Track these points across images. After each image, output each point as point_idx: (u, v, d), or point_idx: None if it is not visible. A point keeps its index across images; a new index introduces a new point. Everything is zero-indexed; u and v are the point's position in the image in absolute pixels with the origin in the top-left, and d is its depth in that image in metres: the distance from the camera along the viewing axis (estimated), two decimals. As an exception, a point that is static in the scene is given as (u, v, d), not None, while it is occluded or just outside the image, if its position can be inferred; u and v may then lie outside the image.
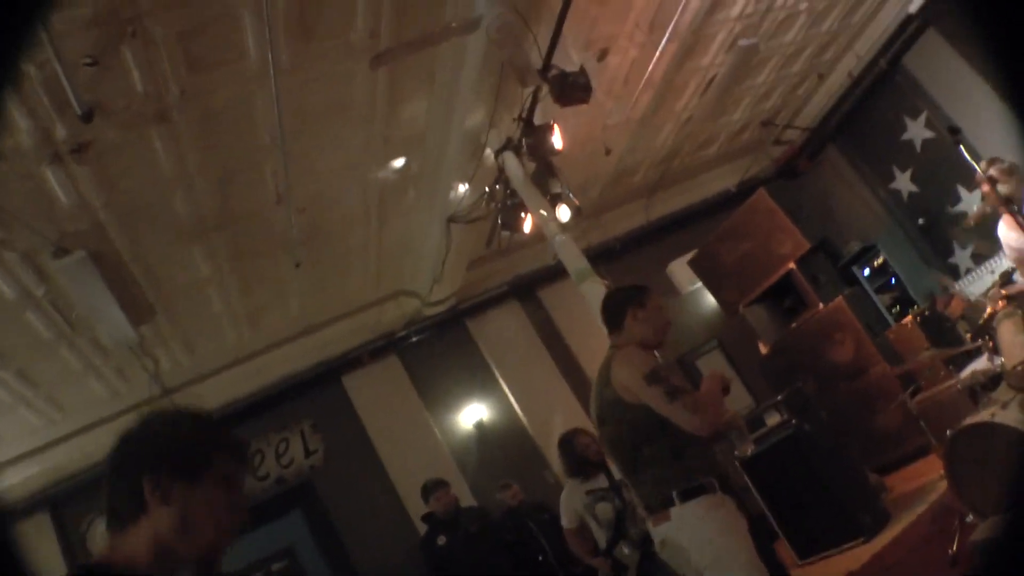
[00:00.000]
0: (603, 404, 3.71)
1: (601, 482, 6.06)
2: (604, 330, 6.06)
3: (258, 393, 8.96)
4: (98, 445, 8.25)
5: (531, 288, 10.46)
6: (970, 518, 4.63)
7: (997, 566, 3.25)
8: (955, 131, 4.77)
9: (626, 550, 5.83)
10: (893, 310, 9.72)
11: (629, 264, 10.53)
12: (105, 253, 6.04)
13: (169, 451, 1.65)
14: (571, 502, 6.18)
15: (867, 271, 10.23)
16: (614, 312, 3.88)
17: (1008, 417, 4.44)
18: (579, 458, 6.18)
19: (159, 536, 1.59)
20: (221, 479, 1.68)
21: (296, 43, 5.30)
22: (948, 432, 4.66)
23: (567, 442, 6.30)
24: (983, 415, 4.60)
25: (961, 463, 4.66)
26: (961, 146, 4.75)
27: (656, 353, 3.81)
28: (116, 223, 5.95)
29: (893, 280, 10.04)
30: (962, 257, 9.85)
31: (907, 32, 9.45)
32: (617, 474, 5.97)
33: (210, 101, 5.35)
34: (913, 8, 9.16)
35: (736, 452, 5.27)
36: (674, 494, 3.49)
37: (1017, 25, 1.19)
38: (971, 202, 9.44)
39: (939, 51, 9.26)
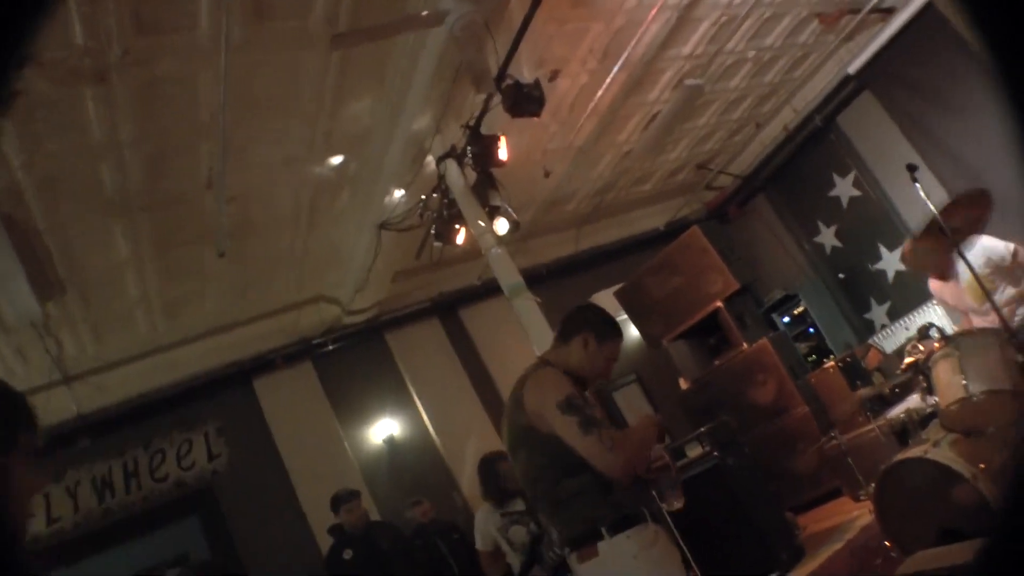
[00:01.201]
0: (516, 431, 3.28)
1: (517, 505, 5.99)
2: (523, 353, 5.89)
3: (165, 389, 8.50)
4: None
5: (453, 307, 10.32)
6: (895, 554, 4.65)
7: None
8: (913, 168, 4.81)
9: (541, 575, 5.75)
10: (810, 359, 9.87)
11: (555, 291, 10.45)
12: (17, 218, 5.69)
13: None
14: (486, 524, 6.10)
15: (787, 319, 10.39)
16: (571, 325, 3.46)
17: (940, 455, 4.50)
18: (498, 485, 6.10)
19: None
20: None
21: (251, 20, 5.11)
22: (882, 466, 4.69)
23: (489, 465, 6.21)
24: (915, 451, 4.66)
25: (890, 498, 4.69)
26: (917, 184, 4.77)
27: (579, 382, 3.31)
28: (34, 187, 5.57)
29: (812, 329, 10.22)
30: (878, 313, 10.09)
31: (844, 92, 9.75)
32: None
33: (153, 68, 5.08)
34: (852, 69, 9.42)
35: (663, 506, 5.19)
36: (603, 529, 3.08)
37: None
38: (891, 261, 9.70)
39: (872, 113, 9.54)
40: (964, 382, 4.59)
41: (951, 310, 6.30)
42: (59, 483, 7.89)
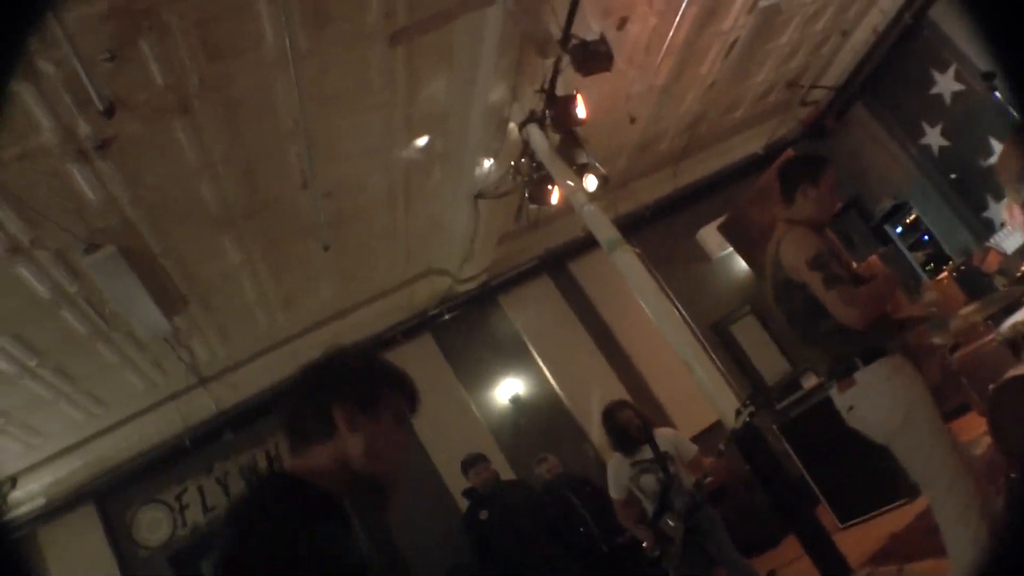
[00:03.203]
0: (776, 284, 3.82)
1: (646, 454, 6.05)
2: (636, 300, 6.08)
3: (294, 378, 8.95)
4: (139, 436, 8.38)
5: (562, 261, 10.43)
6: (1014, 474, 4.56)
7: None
8: (989, 76, 4.63)
9: (671, 522, 5.83)
10: (927, 267, 9.59)
11: (660, 231, 10.50)
12: (135, 247, 6.11)
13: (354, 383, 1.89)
14: (617, 474, 6.19)
15: (900, 229, 10.08)
16: (786, 185, 3.92)
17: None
18: (621, 433, 6.18)
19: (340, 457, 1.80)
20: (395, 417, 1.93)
21: (312, 27, 5.28)
22: (990, 386, 4.58)
23: (609, 416, 6.28)
24: (1025, 369, 4.52)
25: (1005, 417, 4.58)
26: (996, 92, 4.59)
27: (826, 232, 3.86)
28: (144, 217, 5.99)
29: (926, 237, 9.88)
30: (996, 211, 9.66)
31: (932, -16, 9.26)
32: (663, 445, 5.99)
33: (230, 89, 5.35)
34: (938, -39, 8.99)
35: (936, 340, 5.25)
36: (857, 359, 3.57)
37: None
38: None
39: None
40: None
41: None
42: (210, 475, 8.44)
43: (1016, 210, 5.69)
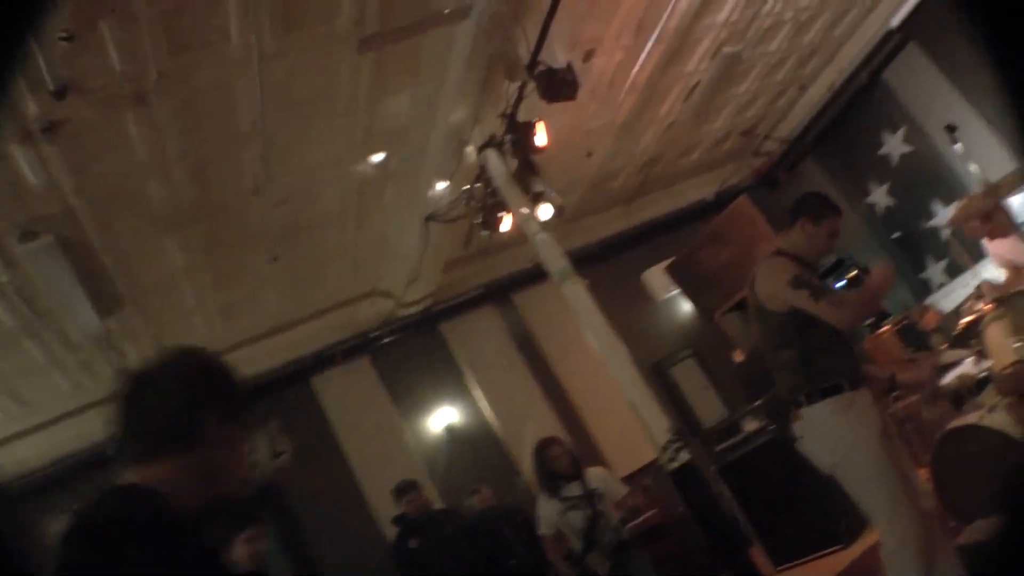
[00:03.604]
0: (752, 308, 4.03)
1: (575, 490, 6.04)
2: (578, 334, 6.15)
3: (228, 391, 8.72)
4: (60, 441, 8.03)
5: (506, 292, 10.34)
6: (954, 523, 4.58)
7: (986, 570, 3.26)
8: (952, 128, 4.72)
9: (597, 559, 5.83)
10: (868, 323, 9.70)
11: (608, 269, 10.46)
12: (74, 239, 5.87)
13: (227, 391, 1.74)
14: (546, 511, 6.18)
15: (841, 283, 10.21)
16: (793, 211, 4.07)
17: (995, 421, 4.44)
18: (548, 470, 6.18)
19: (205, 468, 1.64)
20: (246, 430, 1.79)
21: (280, 29, 5.17)
22: (936, 435, 4.62)
23: (538, 453, 6.32)
24: (970, 418, 4.59)
25: (946, 467, 4.63)
26: (957, 144, 4.68)
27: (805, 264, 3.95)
28: (87, 208, 5.74)
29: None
30: (935, 271, 9.89)
31: (888, 46, 9.54)
32: (592, 483, 5.98)
33: (190, 85, 5.19)
34: (895, 23, 9.25)
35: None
36: (801, 396, 3.78)
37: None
38: (947, 216, 9.48)
39: (919, 66, 9.33)
40: (1017, 344, 4.51)
41: (1010, 268, 6.15)
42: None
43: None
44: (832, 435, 3.72)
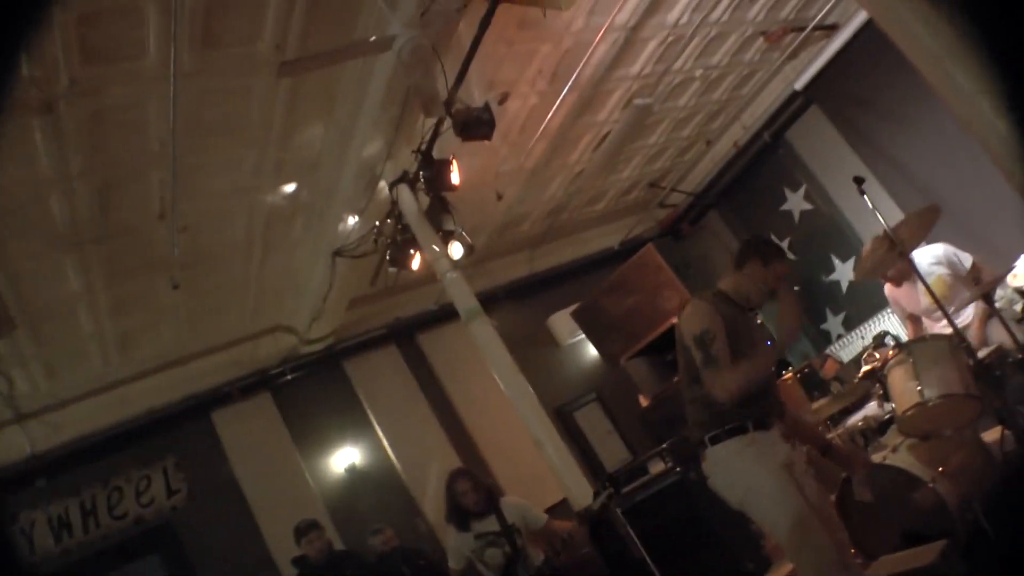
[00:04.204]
0: (676, 337, 4.10)
1: (491, 525, 5.93)
2: (482, 375, 6.17)
3: (121, 425, 8.32)
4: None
5: (411, 332, 10.26)
6: (859, 560, 4.69)
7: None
8: (860, 180, 4.89)
9: None
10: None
11: (512, 313, 10.50)
12: (-35, 254, 5.61)
13: None
14: (458, 545, 6.05)
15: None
16: (742, 252, 4.17)
17: (898, 460, 4.59)
18: (455, 505, 6.07)
19: None
20: None
21: (199, 47, 5.07)
22: (842, 474, 4.73)
23: (447, 485, 6.17)
24: (875, 457, 4.73)
25: (852, 504, 4.75)
26: (865, 196, 4.87)
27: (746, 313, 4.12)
28: (-18, 221, 5.51)
29: (769, 342, 10.25)
30: (834, 324, 10.22)
31: (792, 108, 9.93)
32: (510, 517, 5.87)
33: (101, 97, 5.04)
34: (799, 85, 9.65)
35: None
36: (705, 437, 3.92)
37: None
38: (844, 272, 9.87)
39: (820, 127, 9.75)
40: (919, 387, 4.68)
41: (904, 316, 6.42)
42: (14, 525, 7.69)
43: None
44: (735, 472, 3.87)
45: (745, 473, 3.81)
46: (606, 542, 6.14)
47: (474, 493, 5.99)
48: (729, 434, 3.86)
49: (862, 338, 9.49)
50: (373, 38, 5.35)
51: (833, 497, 4.79)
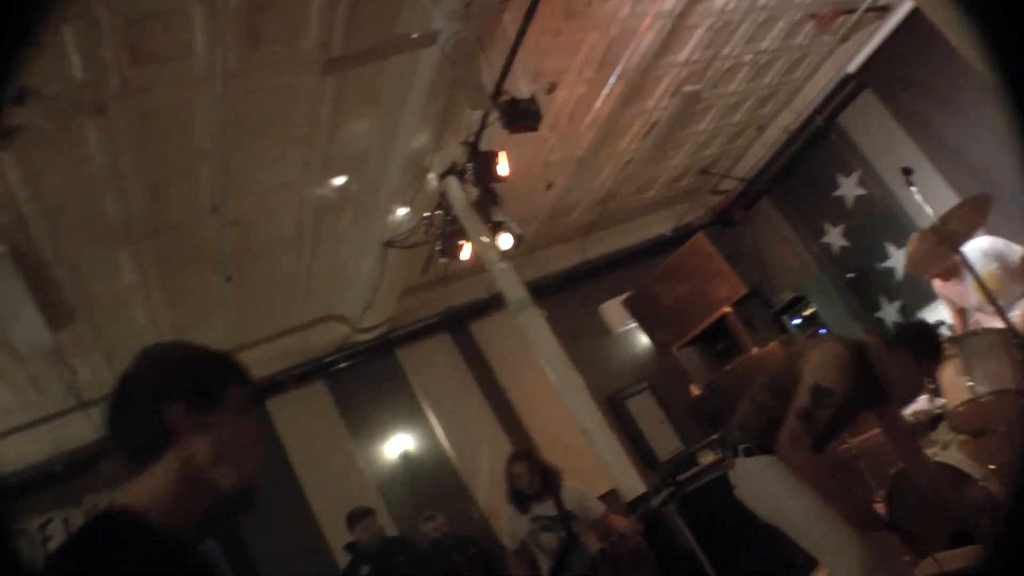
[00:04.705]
0: (784, 358, 4.26)
1: (549, 509, 5.94)
2: (533, 364, 6.16)
3: (180, 412, 8.60)
4: (5, 458, 7.84)
5: (463, 321, 10.32)
6: (909, 557, 4.63)
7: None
8: (908, 171, 4.80)
9: None
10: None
11: (564, 301, 10.48)
12: (25, 250, 5.79)
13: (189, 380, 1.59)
14: (513, 525, 6.07)
15: (798, 320, 10.36)
16: (897, 337, 4.12)
17: (949, 457, 4.50)
18: (511, 486, 6.09)
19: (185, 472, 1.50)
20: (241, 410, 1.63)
21: (245, 46, 5.17)
22: (891, 471, 4.67)
23: (506, 467, 6.18)
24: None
25: (901, 501, 4.67)
26: (913, 187, 4.77)
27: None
28: (40, 218, 5.66)
29: (823, 330, 10.17)
30: (888, 312, 10.03)
31: (844, 92, 9.71)
32: (568, 503, 5.89)
33: (151, 97, 5.16)
34: (852, 68, 9.43)
35: None
36: (740, 447, 3.95)
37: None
38: (899, 259, 9.67)
39: (874, 111, 9.52)
40: (970, 383, 4.58)
41: (954, 310, 6.26)
42: (79, 508, 7.93)
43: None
44: (760, 490, 3.92)
45: (771, 490, 3.83)
46: (656, 533, 6.14)
47: (528, 475, 5.97)
48: (764, 450, 3.86)
49: (917, 328, 9.30)
50: (417, 33, 5.37)
51: (883, 493, 4.74)
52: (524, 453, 6.34)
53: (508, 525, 6.12)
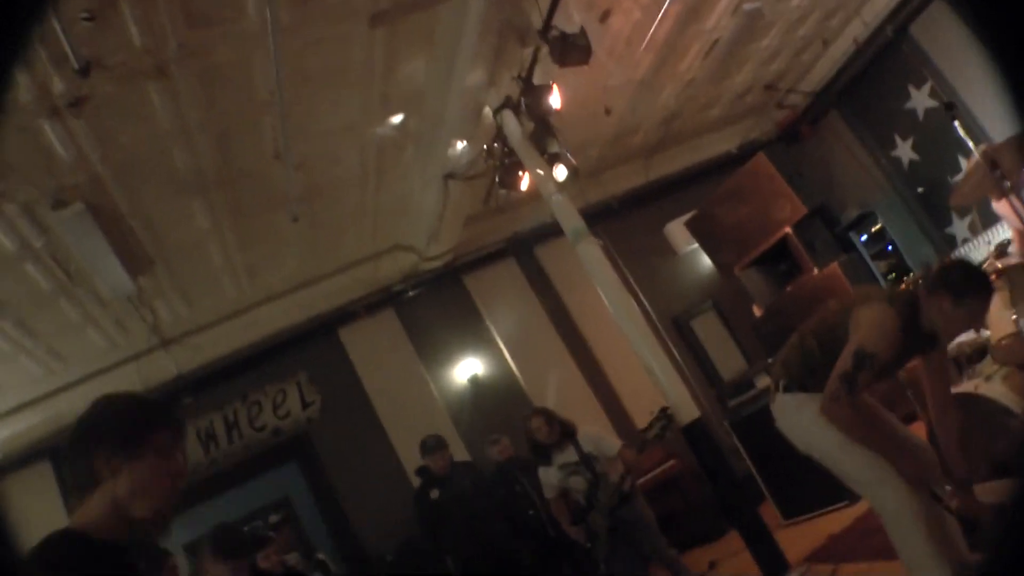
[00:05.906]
0: (834, 308, 4.01)
1: (571, 456, 6.25)
2: (597, 289, 6.24)
3: (256, 345, 9.06)
4: (97, 395, 8.35)
5: (528, 246, 10.48)
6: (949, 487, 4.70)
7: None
8: (951, 106, 4.74)
9: (597, 519, 6.07)
10: (889, 276, 9.76)
11: (628, 223, 10.57)
12: (103, 206, 6.12)
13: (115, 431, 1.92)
14: (546, 476, 6.41)
15: (864, 237, 10.24)
16: (932, 281, 3.74)
17: (992, 390, 4.51)
18: (532, 442, 6.40)
19: (109, 504, 1.85)
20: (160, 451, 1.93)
21: (295, 2, 5.28)
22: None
23: (524, 429, 6.50)
24: (967, 386, 4.67)
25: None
26: (956, 121, 4.71)
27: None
28: (114, 177, 5.97)
29: (890, 247, 10.06)
30: (960, 227, 9.87)
31: (914, 1, 9.38)
32: (586, 447, 6.19)
33: (208, 57, 5.34)
34: (922, -24, 9.11)
35: None
36: (780, 383, 4.03)
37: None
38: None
39: (945, 21, 9.20)
40: (1014, 316, 4.59)
41: (1016, 231, 6.14)
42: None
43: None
44: (799, 426, 3.98)
45: (811, 427, 3.84)
46: (707, 456, 6.31)
47: (547, 427, 6.31)
48: (803, 388, 3.93)
49: (988, 243, 9.12)
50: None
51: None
52: (538, 410, 6.62)
53: (543, 479, 6.45)
